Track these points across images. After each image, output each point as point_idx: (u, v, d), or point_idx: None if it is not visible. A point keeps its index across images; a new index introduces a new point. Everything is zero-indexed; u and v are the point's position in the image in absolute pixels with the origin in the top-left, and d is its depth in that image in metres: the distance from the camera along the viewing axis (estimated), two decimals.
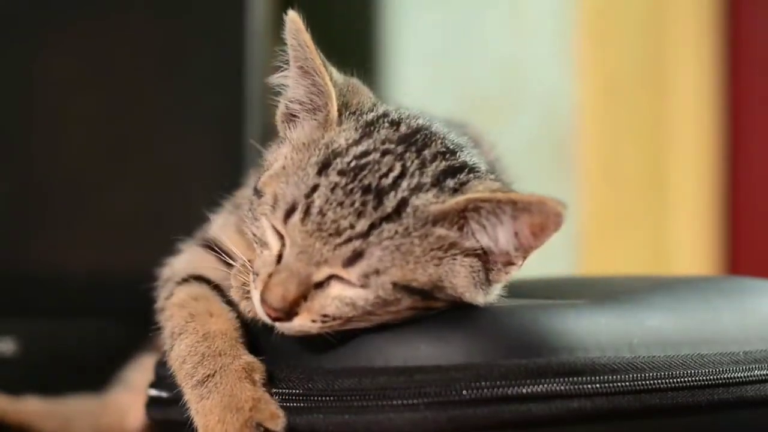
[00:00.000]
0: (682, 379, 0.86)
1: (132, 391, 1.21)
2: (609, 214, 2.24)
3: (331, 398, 0.83)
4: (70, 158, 1.53)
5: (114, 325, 0.96)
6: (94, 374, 1.26)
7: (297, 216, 0.82)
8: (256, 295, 0.84)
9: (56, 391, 1.29)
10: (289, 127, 0.91)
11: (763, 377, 0.90)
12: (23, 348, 1.47)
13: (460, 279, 0.84)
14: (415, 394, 0.81)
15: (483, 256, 0.85)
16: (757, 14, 2.38)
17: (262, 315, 0.84)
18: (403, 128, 0.88)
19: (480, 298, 0.85)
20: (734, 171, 2.38)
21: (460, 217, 0.83)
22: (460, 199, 0.83)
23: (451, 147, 0.88)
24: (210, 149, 1.51)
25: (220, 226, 0.98)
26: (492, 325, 0.84)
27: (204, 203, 1.02)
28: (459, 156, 0.88)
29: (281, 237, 0.84)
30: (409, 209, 0.82)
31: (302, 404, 0.84)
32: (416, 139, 0.87)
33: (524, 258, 0.85)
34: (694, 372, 0.87)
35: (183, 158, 1.53)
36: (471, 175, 0.86)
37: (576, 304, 0.88)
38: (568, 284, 1.11)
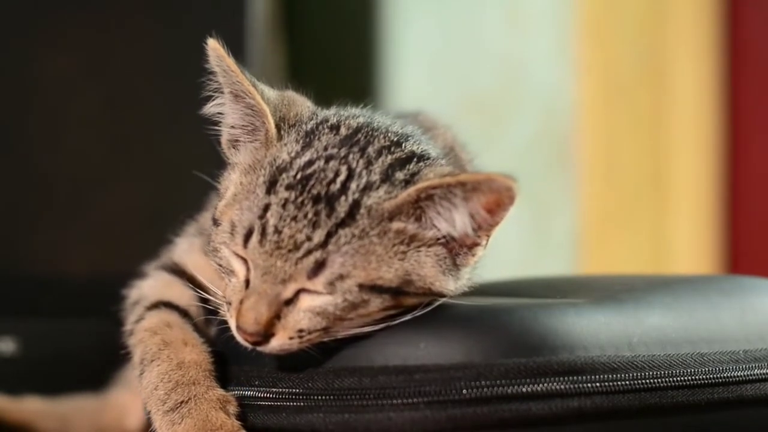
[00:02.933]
0: (682, 378, 0.86)
1: (132, 391, 1.21)
2: (609, 213, 2.24)
3: (331, 397, 0.83)
4: (70, 158, 1.53)
5: (114, 325, 0.97)
6: (94, 374, 1.26)
7: (255, 238, 0.82)
8: (232, 324, 0.84)
9: (56, 391, 1.29)
10: (235, 153, 0.91)
11: (763, 376, 0.90)
12: (23, 348, 1.47)
13: (427, 269, 0.84)
14: (415, 393, 0.81)
15: (447, 242, 0.85)
16: (757, 14, 2.38)
17: (242, 342, 0.84)
18: (343, 130, 0.88)
19: (450, 285, 0.85)
20: (734, 170, 2.38)
21: (415, 208, 0.83)
22: (410, 190, 0.83)
23: (395, 139, 0.88)
24: (210, 149, 1.51)
25: (185, 250, 0.98)
26: (492, 324, 0.84)
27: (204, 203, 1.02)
28: (405, 146, 0.87)
29: (245, 262, 0.84)
30: (362, 210, 0.82)
31: (302, 403, 0.84)
32: (358, 139, 0.87)
33: (487, 237, 0.85)
34: (694, 371, 0.87)
35: (183, 158, 1.53)
36: (421, 164, 0.86)
37: (576, 303, 0.88)
38: (568, 284, 1.11)
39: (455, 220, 0.83)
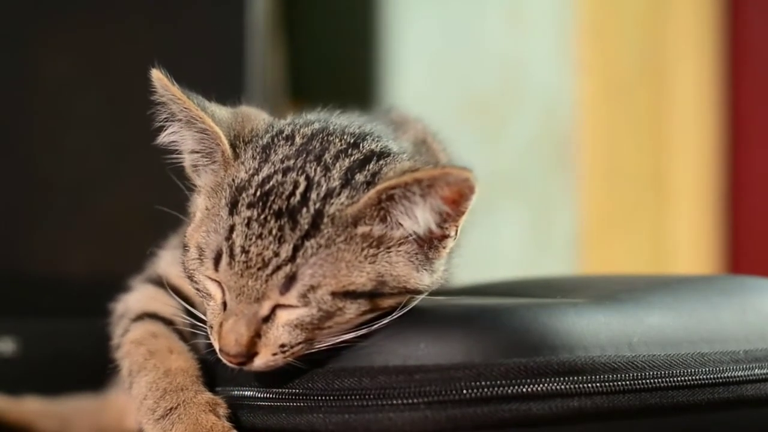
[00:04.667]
0: (682, 378, 0.86)
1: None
2: (609, 213, 2.24)
3: (331, 398, 0.83)
4: (70, 158, 1.53)
5: None
6: (94, 374, 1.26)
7: (224, 261, 0.82)
8: (216, 346, 0.84)
9: (56, 391, 1.29)
10: (198, 177, 0.90)
11: (764, 376, 0.90)
12: (23, 348, 1.47)
13: (400, 268, 0.84)
14: (415, 393, 0.81)
15: (416, 239, 0.84)
16: (757, 14, 2.38)
17: (227, 364, 0.84)
18: (298, 140, 0.87)
19: (425, 280, 0.85)
20: (734, 170, 2.38)
21: (378, 210, 0.83)
22: (371, 193, 0.82)
23: (352, 140, 0.87)
24: None
25: (169, 262, 0.98)
26: (492, 324, 0.84)
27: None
28: (362, 146, 0.87)
29: (220, 284, 0.84)
30: (326, 219, 0.82)
31: (302, 404, 0.84)
32: (313, 147, 0.86)
33: (456, 227, 0.84)
34: (694, 371, 0.87)
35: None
36: (381, 162, 0.85)
37: (576, 303, 0.88)
38: (568, 283, 1.11)
39: (418, 217, 0.83)
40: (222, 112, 0.90)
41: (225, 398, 0.88)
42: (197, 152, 0.89)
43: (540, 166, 2.18)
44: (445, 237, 0.85)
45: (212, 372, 0.90)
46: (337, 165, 0.84)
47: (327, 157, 0.85)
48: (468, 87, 2.19)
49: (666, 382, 0.85)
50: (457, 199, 0.82)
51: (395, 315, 0.84)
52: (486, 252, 2.11)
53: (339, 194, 0.83)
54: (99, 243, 1.52)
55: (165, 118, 0.89)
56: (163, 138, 0.90)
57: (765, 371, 0.90)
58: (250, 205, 0.83)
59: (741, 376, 0.89)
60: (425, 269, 0.85)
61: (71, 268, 1.52)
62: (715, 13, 2.35)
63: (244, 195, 0.83)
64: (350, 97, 0.99)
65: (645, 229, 2.29)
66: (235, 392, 0.87)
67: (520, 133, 2.18)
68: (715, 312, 0.93)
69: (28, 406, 1.27)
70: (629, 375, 0.84)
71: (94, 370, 1.24)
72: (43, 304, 1.50)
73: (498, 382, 0.81)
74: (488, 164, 2.08)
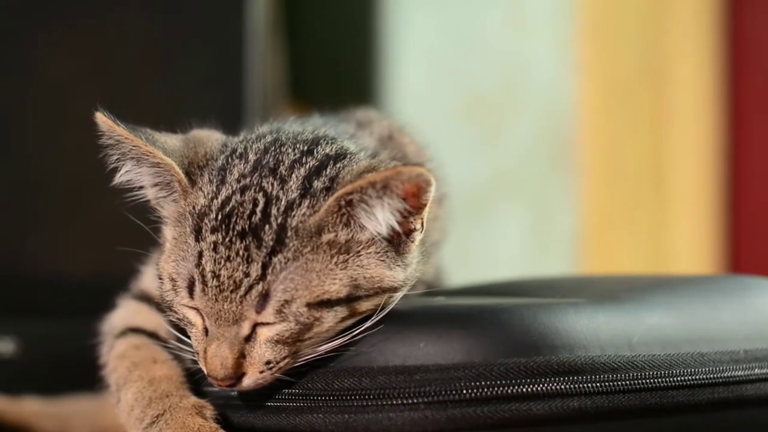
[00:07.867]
0: (682, 378, 0.86)
1: None
2: (609, 213, 2.24)
3: (331, 398, 0.83)
4: (70, 158, 1.53)
5: None
6: (94, 375, 1.26)
7: (198, 288, 0.82)
8: (205, 372, 0.84)
9: (55, 391, 1.29)
10: (162, 209, 0.90)
11: (764, 376, 0.90)
12: (23, 348, 1.47)
13: (372, 269, 0.83)
14: (415, 393, 0.81)
15: (383, 238, 0.84)
16: (757, 13, 2.38)
17: (218, 387, 0.84)
18: (251, 156, 0.87)
19: (400, 276, 0.85)
20: (735, 170, 2.38)
21: (341, 216, 0.83)
22: (330, 201, 0.82)
23: (306, 148, 0.87)
24: None
25: (152, 277, 0.97)
26: (492, 323, 0.84)
27: None
28: (317, 152, 0.86)
29: (198, 311, 0.84)
30: (289, 233, 0.82)
31: (302, 404, 0.84)
32: (267, 161, 0.86)
33: (421, 220, 0.84)
34: (695, 371, 0.87)
35: None
36: (339, 165, 0.85)
37: (576, 303, 0.88)
38: (568, 283, 1.11)
39: (379, 218, 0.83)
40: (172, 141, 0.90)
41: (224, 399, 0.88)
42: (157, 185, 0.89)
43: (540, 166, 2.18)
44: (411, 231, 0.85)
45: None
46: (293, 175, 0.84)
47: (282, 169, 0.85)
48: (468, 87, 2.19)
49: (666, 381, 0.85)
50: (415, 193, 0.82)
51: (376, 318, 0.83)
52: (486, 252, 2.12)
53: (299, 205, 0.83)
54: (99, 243, 1.52)
55: (117, 158, 0.88)
56: (120, 178, 0.89)
57: (765, 371, 0.90)
58: (213, 230, 0.82)
59: (741, 375, 0.89)
60: (398, 265, 0.85)
61: (71, 268, 1.52)
62: (715, 13, 2.35)
63: (206, 220, 0.83)
64: (350, 97, 0.99)
65: (645, 229, 2.29)
66: (234, 392, 0.87)
67: (520, 133, 2.18)
68: (715, 312, 0.93)
69: (28, 407, 1.27)
70: (629, 375, 0.84)
71: (93, 371, 1.24)
72: (43, 305, 1.50)
73: (498, 382, 0.81)
74: (488, 164, 2.08)
